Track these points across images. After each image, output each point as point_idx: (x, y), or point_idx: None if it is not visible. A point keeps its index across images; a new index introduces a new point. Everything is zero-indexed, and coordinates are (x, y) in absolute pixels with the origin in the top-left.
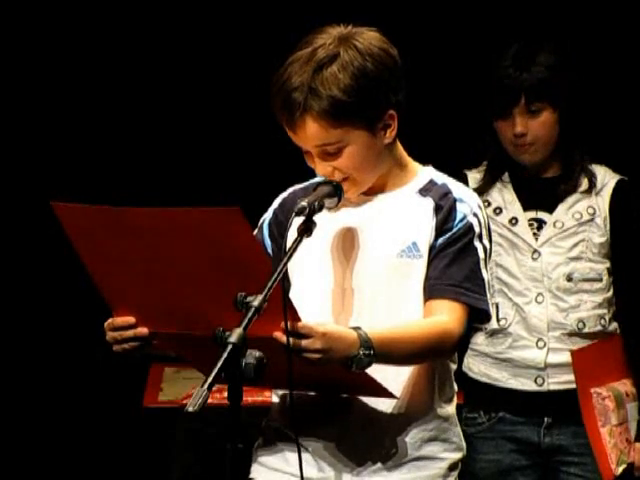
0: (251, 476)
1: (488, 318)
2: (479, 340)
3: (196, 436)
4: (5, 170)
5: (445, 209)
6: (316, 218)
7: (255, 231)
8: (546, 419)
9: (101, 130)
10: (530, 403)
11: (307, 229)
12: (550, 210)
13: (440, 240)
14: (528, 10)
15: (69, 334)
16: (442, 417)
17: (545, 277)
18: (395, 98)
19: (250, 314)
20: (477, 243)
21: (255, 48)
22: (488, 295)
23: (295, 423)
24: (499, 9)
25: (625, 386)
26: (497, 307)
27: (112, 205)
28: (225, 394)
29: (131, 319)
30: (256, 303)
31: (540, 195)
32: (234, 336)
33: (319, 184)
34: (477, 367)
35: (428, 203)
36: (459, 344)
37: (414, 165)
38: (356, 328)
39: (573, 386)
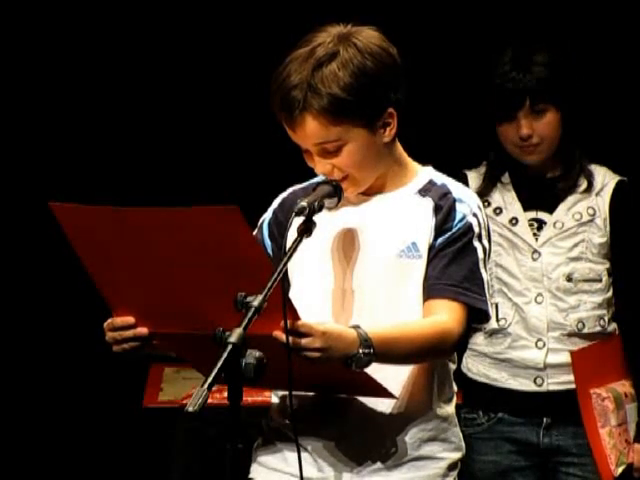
0: (251, 476)
1: (487, 318)
2: (478, 340)
3: (196, 436)
4: (4, 171)
5: (444, 209)
6: (316, 218)
7: (255, 231)
8: (545, 419)
9: (100, 130)
10: (529, 403)
11: (307, 229)
12: (550, 210)
13: (439, 240)
14: (526, 10)
15: (69, 334)
16: (441, 417)
17: (545, 277)
18: (395, 96)
19: (250, 314)
20: (476, 243)
21: (255, 48)
22: (487, 295)
23: (295, 423)
24: (499, 9)
25: (624, 387)
26: (497, 307)
27: (111, 205)
28: (225, 394)
29: (130, 319)
30: (256, 303)
31: (540, 195)
32: (234, 336)
33: (319, 184)
34: (476, 367)
35: (428, 203)
36: (458, 344)
37: (414, 165)
38: (356, 327)
39: (572, 387)
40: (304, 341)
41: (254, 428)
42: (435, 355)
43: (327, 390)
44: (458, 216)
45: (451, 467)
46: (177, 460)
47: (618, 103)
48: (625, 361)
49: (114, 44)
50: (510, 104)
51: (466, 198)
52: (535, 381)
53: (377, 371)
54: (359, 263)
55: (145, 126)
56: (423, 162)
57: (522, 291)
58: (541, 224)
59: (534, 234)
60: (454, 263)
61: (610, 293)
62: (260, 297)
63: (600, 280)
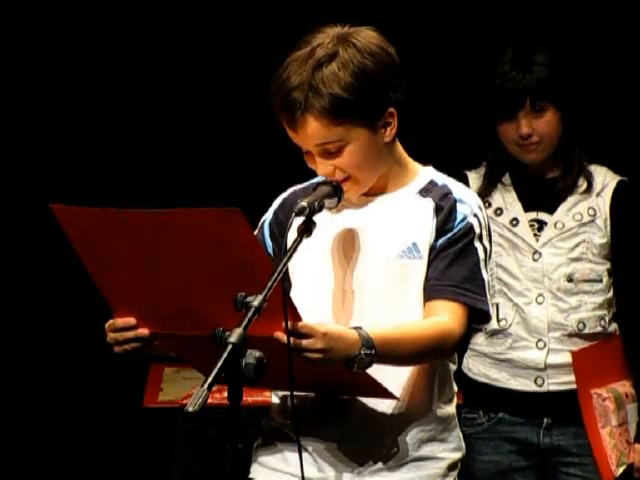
0: (251, 476)
1: (488, 318)
2: (479, 340)
3: (196, 436)
4: (5, 172)
5: (445, 210)
6: (317, 219)
7: (255, 231)
8: (546, 420)
9: (100, 131)
10: (530, 404)
11: (307, 229)
12: (551, 211)
13: (440, 241)
14: (526, 10)
15: (70, 335)
16: (441, 417)
17: (546, 278)
18: (395, 96)
19: (250, 314)
20: (477, 244)
21: (254, 48)
22: (488, 296)
23: (295, 423)
24: (499, 9)
25: (624, 387)
26: (497, 307)
27: (112, 207)
28: (225, 394)
29: (132, 320)
30: (256, 303)
31: (541, 196)
32: (234, 336)
33: (319, 184)
34: (477, 367)
35: (428, 204)
36: (459, 344)
37: (414, 165)
38: (357, 328)
39: (573, 387)
40: (305, 342)
41: (254, 428)
42: (436, 356)
43: (327, 390)
44: (459, 217)
45: (451, 467)
46: (177, 460)
47: (618, 103)
48: (626, 361)
49: (114, 46)
50: (510, 104)
51: (467, 198)
52: (536, 381)
53: (377, 371)
54: (360, 264)
55: (146, 127)
56: (423, 162)
57: (523, 292)
58: (542, 225)
59: (535, 235)
60: (455, 264)
61: (611, 293)
62: (260, 297)
63: (601, 280)
